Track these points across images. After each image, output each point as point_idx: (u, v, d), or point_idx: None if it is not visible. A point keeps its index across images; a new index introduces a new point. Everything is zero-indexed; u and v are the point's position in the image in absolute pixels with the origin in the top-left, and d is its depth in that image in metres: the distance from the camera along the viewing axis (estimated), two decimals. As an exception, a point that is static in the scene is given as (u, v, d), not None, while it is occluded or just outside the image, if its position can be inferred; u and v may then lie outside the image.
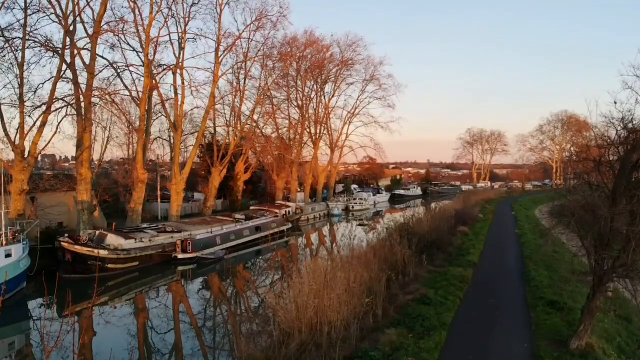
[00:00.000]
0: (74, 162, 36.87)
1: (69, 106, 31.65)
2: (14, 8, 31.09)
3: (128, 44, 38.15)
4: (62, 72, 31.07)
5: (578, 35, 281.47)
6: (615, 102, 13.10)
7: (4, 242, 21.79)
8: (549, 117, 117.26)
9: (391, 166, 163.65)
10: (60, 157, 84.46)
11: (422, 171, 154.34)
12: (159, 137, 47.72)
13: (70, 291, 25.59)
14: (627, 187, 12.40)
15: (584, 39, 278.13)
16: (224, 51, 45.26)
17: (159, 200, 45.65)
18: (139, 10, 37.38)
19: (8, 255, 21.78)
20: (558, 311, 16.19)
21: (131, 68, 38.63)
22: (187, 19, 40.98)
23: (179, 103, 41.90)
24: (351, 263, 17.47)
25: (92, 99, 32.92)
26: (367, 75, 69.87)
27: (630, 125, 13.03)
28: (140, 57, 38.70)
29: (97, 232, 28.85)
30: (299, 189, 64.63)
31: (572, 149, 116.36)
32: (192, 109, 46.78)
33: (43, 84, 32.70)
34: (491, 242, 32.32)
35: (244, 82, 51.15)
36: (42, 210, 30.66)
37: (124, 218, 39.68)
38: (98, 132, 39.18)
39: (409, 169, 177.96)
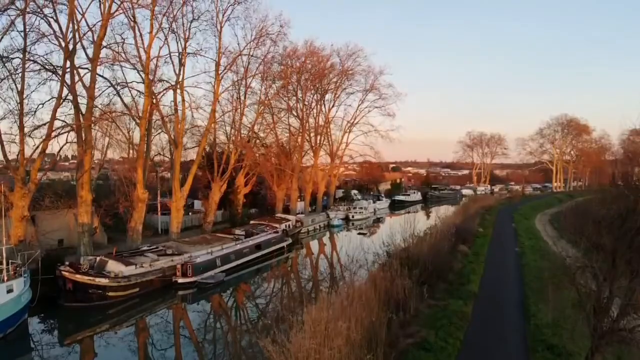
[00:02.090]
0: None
1: (69, 133, 31.55)
2: (12, 30, 30.98)
3: (128, 61, 38.03)
4: (62, 99, 30.99)
5: (578, 37, 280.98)
6: (616, 164, 13.23)
7: (5, 278, 21.80)
8: (549, 121, 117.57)
9: (391, 166, 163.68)
10: (60, 156, 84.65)
11: (423, 171, 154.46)
12: (160, 154, 47.66)
13: (71, 320, 26.08)
14: (628, 249, 12.46)
15: (585, 40, 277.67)
16: (224, 69, 45.33)
17: (159, 213, 45.61)
18: (138, 28, 37.30)
19: (10, 291, 21.81)
20: (557, 357, 16.25)
21: (131, 85, 38.68)
22: (187, 35, 40.85)
23: (180, 120, 41.85)
24: (352, 306, 17.53)
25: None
26: (368, 85, 70.05)
27: (633, 184, 13.14)
28: (140, 75, 38.63)
29: (98, 258, 28.84)
30: (299, 199, 64.56)
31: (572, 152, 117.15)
32: (192, 127, 46.50)
33: (43, 104, 32.68)
34: (491, 264, 32.20)
35: (245, 97, 51.17)
36: (43, 235, 30.67)
37: (125, 232, 39.65)
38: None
39: (409, 168, 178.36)
